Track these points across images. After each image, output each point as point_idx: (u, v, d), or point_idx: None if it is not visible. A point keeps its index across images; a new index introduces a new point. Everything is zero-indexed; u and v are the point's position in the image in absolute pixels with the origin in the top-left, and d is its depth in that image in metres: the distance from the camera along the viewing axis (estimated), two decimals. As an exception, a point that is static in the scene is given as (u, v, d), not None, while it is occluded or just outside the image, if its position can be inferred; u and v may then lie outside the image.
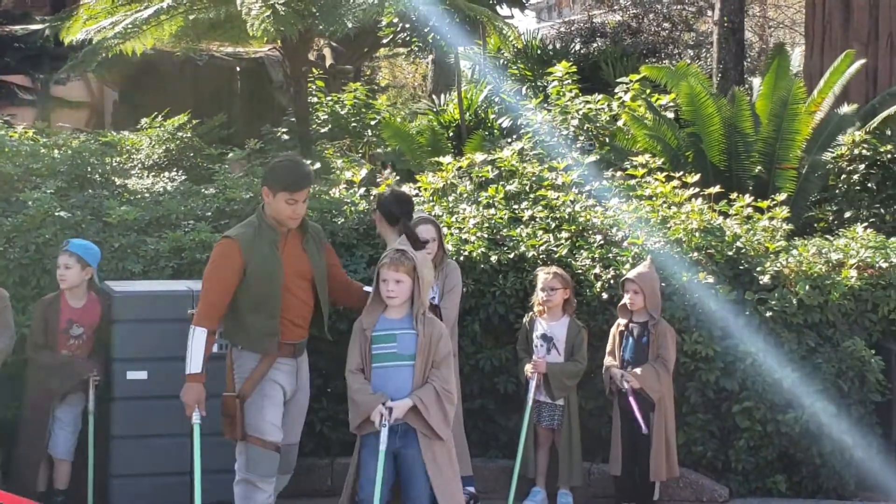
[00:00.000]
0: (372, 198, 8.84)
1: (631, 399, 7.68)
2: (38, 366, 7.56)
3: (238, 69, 16.91)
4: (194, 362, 6.30)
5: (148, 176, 11.27)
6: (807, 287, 8.49)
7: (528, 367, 8.02)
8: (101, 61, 12.45)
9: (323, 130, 14.32)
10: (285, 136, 13.95)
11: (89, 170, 10.28)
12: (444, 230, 8.85)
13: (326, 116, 14.73)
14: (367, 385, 5.95)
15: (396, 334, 5.95)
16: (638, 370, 7.80)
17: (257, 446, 6.35)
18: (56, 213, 8.68)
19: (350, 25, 11.08)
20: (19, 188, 9.24)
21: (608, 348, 8.09)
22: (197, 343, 6.31)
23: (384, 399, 5.85)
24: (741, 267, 8.78)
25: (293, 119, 13.34)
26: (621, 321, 8.04)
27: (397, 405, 5.82)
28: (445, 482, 5.87)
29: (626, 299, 7.95)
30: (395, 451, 5.93)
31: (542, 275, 8.15)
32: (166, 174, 11.27)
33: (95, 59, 12.27)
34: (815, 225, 11.02)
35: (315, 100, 14.84)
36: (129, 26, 11.66)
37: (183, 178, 11.02)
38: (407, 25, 15.52)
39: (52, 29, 13.85)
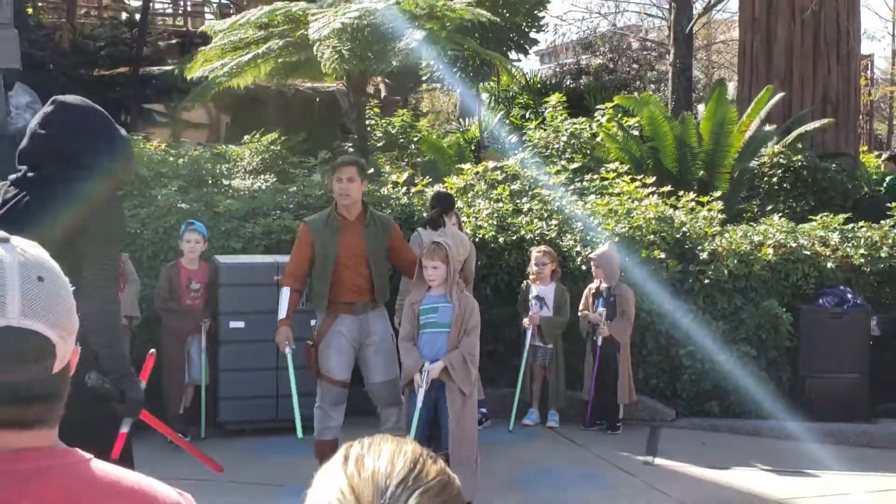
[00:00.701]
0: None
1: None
2: (168, 314, 7.57)
3: (316, 99, 16.88)
4: (281, 311, 6.31)
5: (247, 178, 11.28)
6: (735, 261, 8.45)
7: (526, 320, 8.04)
8: (215, 93, 12.47)
9: (378, 145, 14.29)
10: (350, 149, 13.91)
11: (204, 173, 10.31)
12: (464, 218, 8.84)
13: (381, 134, 14.71)
14: (413, 351, 5.85)
15: (438, 307, 5.86)
16: (611, 322, 7.88)
17: (325, 382, 6.30)
18: (178, 205, 8.69)
19: (395, 65, 11.05)
20: (152, 186, 9.26)
21: (581, 305, 8.16)
22: (283, 298, 6.32)
23: (423, 364, 5.74)
24: (686, 246, 8.74)
25: (356, 136, 13.29)
26: (592, 286, 8.07)
27: (433, 367, 5.71)
28: (460, 431, 5.70)
29: (593, 271, 8.01)
30: (434, 400, 5.82)
31: (535, 252, 8.19)
32: (261, 177, 11.28)
33: (210, 92, 12.32)
34: (744, 215, 10.96)
35: (372, 122, 14.80)
36: (234, 67, 11.67)
37: (273, 179, 11.04)
38: (440, 66, 15.45)
39: (180, 69, 13.84)
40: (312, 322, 6.76)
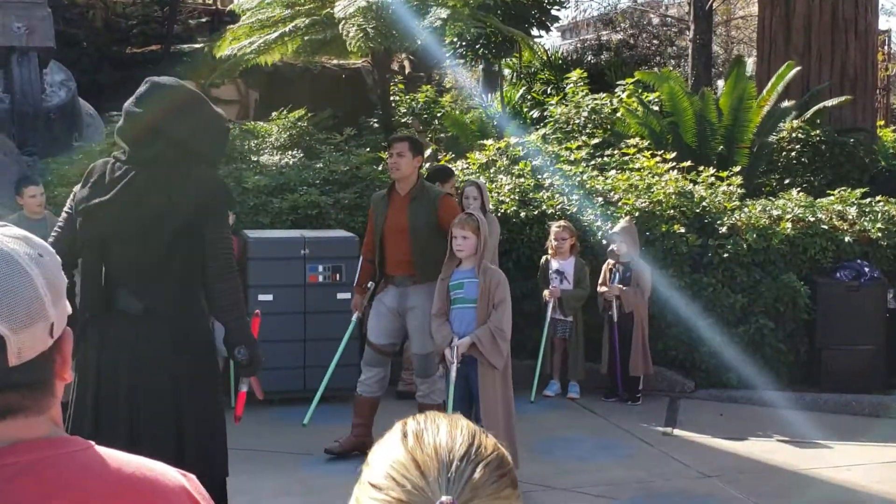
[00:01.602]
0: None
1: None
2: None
3: (342, 76, 16.80)
4: (356, 279, 6.63)
5: (275, 154, 11.25)
6: (754, 235, 8.37)
7: (546, 294, 8.02)
8: (243, 70, 12.45)
9: (402, 121, 14.22)
10: (375, 125, 13.86)
11: (233, 149, 10.27)
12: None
13: (405, 110, 14.63)
14: (444, 326, 5.73)
15: (464, 282, 5.71)
16: (624, 288, 7.87)
17: (367, 343, 6.44)
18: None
19: (420, 43, 10.99)
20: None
21: (600, 281, 8.11)
22: (359, 267, 6.62)
23: (452, 339, 5.66)
24: (705, 220, 8.66)
25: (380, 112, 13.24)
26: (610, 261, 8.01)
27: (461, 343, 5.60)
28: (490, 403, 5.60)
29: (613, 247, 7.93)
30: (465, 375, 5.73)
31: (554, 227, 8.15)
32: (288, 153, 11.25)
33: (239, 69, 12.30)
34: (762, 189, 10.85)
35: (397, 98, 14.73)
36: (262, 45, 11.66)
37: (300, 155, 11.00)
38: (463, 43, 15.37)
39: (209, 47, 13.82)
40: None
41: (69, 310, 1.41)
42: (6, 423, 1.29)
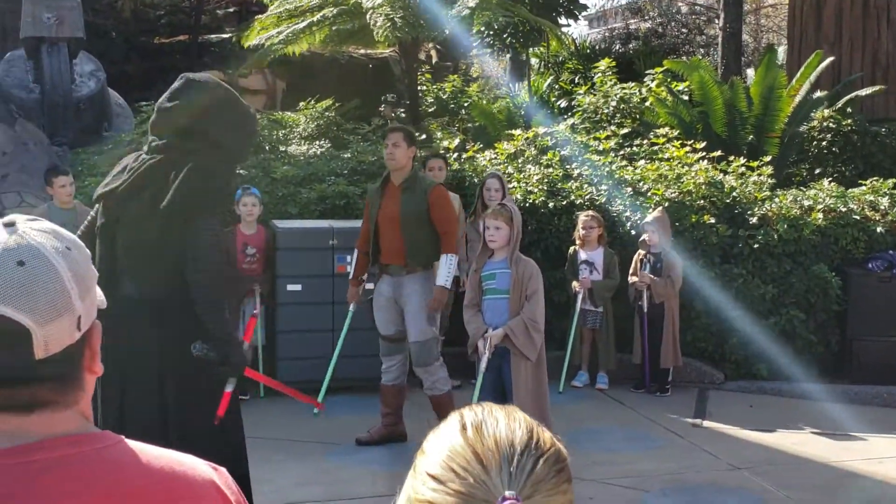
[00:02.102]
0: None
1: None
2: (225, 279, 7.61)
3: (369, 66, 16.79)
4: (351, 272, 6.68)
5: (303, 144, 11.26)
6: (785, 226, 8.31)
7: (576, 284, 8.00)
8: (271, 60, 12.47)
9: (429, 111, 14.19)
10: (402, 115, 13.84)
11: (261, 139, 10.28)
12: (514, 184, 8.76)
13: (432, 100, 14.60)
14: (476, 317, 5.72)
15: (497, 273, 5.68)
16: (656, 278, 7.84)
17: (380, 337, 6.46)
18: (237, 171, 8.67)
19: (447, 32, 10.96)
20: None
21: (630, 271, 8.07)
22: (353, 259, 6.71)
23: (486, 330, 5.64)
24: (736, 211, 8.59)
25: (407, 102, 13.21)
26: (641, 251, 7.97)
27: (493, 334, 5.57)
28: (522, 395, 5.54)
29: (644, 237, 7.88)
30: (498, 366, 5.70)
31: (582, 217, 8.12)
32: (316, 143, 11.25)
33: (266, 59, 12.34)
34: (793, 179, 10.77)
35: (424, 88, 14.70)
36: (290, 34, 11.67)
37: (328, 145, 11.00)
38: (490, 32, 15.32)
39: (237, 37, 13.85)
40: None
41: (103, 303, 1.40)
42: (34, 417, 1.29)
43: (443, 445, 1.19)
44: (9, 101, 10.18)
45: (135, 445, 1.35)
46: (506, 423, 1.19)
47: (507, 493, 1.11)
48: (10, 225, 1.31)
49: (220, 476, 1.41)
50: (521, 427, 1.19)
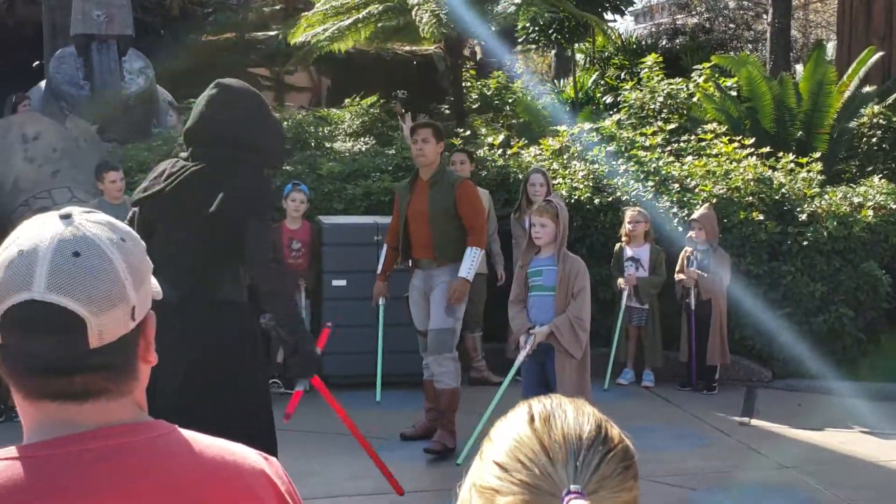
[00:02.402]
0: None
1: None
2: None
3: (414, 62, 16.83)
4: (379, 267, 6.71)
5: (348, 140, 11.31)
6: (835, 223, 8.22)
7: (621, 281, 7.96)
8: (317, 57, 12.53)
9: (474, 107, 14.18)
10: (447, 111, 13.84)
11: (307, 136, 10.35)
12: (559, 180, 8.74)
13: (476, 96, 14.58)
14: (521, 314, 5.70)
15: (543, 270, 5.64)
16: (704, 274, 7.77)
17: (418, 333, 6.49)
18: (283, 168, 8.74)
19: (493, 29, 10.94)
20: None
21: (677, 268, 8.01)
22: (381, 255, 6.74)
23: (530, 327, 5.61)
24: (785, 208, 8.51)
25: (452, 98, 13.21)
26: (688, 248, 7.91)
27: (539, 332, 5.54)
28: (567, 393, 5.51)
29: (691, 233, 7.83)
30: (542, 362, 5.69)
31: (629, 212, 8.09)
32: (361, 139, 11.29)
33: (312, 56, 12.40)
34: (842, 176, 10.61)
35: (468, 84, 14.69)
36: (335, 31, 11.72)
37: (373, 142, 11.04)
38: (536, 28, 15.26)
39: (283, 34, 13.93)
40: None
41: (159, 293, 1.42)
42: (88, 405, 1.30)
43: (510, 435, 1.19)
44: (59, 98, 10.33)
45: (188, 435, 1.37)
46: (574, 416, 1.19)
47: (571, 487, 1.11)
48: (66, 217, 1.33)
49: (270, 466, 1.42)
50: (589, 421, 1.19)
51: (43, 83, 11.33)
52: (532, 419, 1.19)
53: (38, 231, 1.31)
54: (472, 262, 6.21)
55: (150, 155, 9.14)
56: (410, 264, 6.47)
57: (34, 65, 14.13)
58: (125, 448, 1.29)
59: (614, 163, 9.17)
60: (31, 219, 1.35)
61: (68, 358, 1.28)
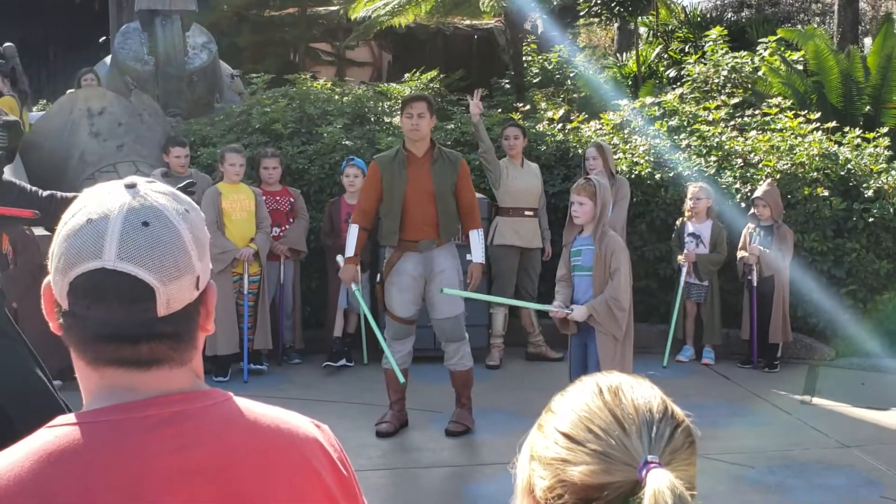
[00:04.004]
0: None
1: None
2: (330, 248, 7.76)
3: (474, 36, 16.77)
4: (348, 249, 6.19)
5: (408, 115, 11.30)
6: (902, 199, 8.02)
7: (681, 257, 7.88)
8: (377, 32, 12.54)
9: (534, 81, 14.10)
10: (507, 86, 13.79)
11: (367, 111, 10.37)
12: (620, 155, 8.67)
13: (537, 71, 14.48)
14: (563, 290, 5.64)
15: (582, 249, 5.57)
16: (766, 250, 7.66)
17: (390, 318, 6.21)
18: (343, 142, 8.81)
19: (555, 3, 10.85)
20: (318, 124, 9.40)
21: (740, 245, 7.90)
22: (351, 235, 6.19)
23: (566, 307, 5.55)
24: (850, 183, 8.35)
25: (512, 72, 13.16)
26: (751, 225, 7.81)
27: (575, 313, 5.49)
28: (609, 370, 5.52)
29: (754, 210, 7.73)
30: (584, 343, 5.64)
31: (691, 188, 7.98)
32: (421, 113, 11.28)
33: (373, 31, 12.43)
34: (912, 151, 10.37)
35: (529, 58, 14.60)
36: (396, 6, 11.73)
37: (433, 116, 11.02)
38: (599, 1, 15.07)
39: (344, 9, 13.96)
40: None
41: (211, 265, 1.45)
42: (151, 373, 1.34)
43: (577, 407, 1.20)
44: (124, 73, 10.48)
45: (242, 403, 1.40)
46: (641, 390, 1.20)
47: (649, 458, 1.12)
48: (131, 186, 1.36)
49: (323, 434, 1.45)
50: (655, 396, 1.20)
51: (108, 58, 11.51)
52: (601, 391, 1.20)
53: (106, 200, 1.33)
54: (482, 245, 6.18)
55: (212, 130, 9.26)
56: (398, 249, 6.11)
57: (100, 40, 14.37)
58: (183, 415, 1.32)
59: (676, 137, 9.08)
60: (93, 187, 1.38)
61: (137, 325, 1.31)
